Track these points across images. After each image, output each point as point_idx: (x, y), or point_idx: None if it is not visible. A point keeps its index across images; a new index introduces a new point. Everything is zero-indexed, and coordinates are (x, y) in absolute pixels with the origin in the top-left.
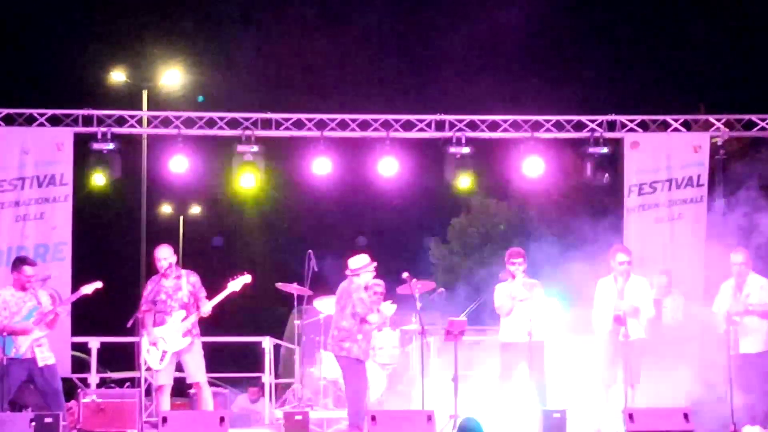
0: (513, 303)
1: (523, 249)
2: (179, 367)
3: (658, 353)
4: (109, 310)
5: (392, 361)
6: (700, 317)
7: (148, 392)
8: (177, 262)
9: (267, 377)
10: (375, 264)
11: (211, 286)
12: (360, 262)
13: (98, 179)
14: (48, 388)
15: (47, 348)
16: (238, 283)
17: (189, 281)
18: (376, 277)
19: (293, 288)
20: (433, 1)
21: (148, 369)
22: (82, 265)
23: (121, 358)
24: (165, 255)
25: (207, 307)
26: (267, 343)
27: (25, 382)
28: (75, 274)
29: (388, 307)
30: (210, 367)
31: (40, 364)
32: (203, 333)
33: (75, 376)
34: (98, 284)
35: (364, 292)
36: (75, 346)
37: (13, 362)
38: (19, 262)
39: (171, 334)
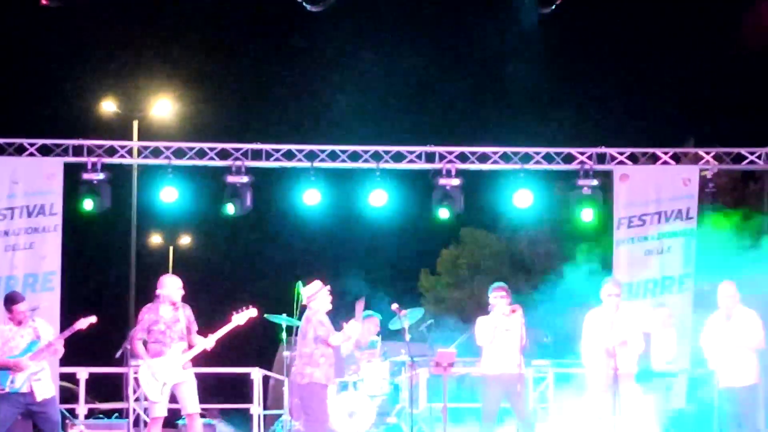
0: (494, 333)
1: (510, 281)
2: (173, 398)
3: (648, 386)
4: (97, 340)
5: (381, 392)
6: (688, 350)
7: (136, 423)
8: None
9: (256, 408)
10: (328, 288)
11: (200, 317)
12: (312, 289)
13: (88, 205)
14: (47, 422)
15: (47, 380)
16: (243, 317)
17: (185, 314)
18: (366, 308)
19: (282, 319)
20: (423, 34)
21: (138, 400)
22: (72, 295)
23: (110, 389)
24: (180, 284)
25: (211, 341)
26: (256, 374)
27: (20, 417)
28: (64, 304)
29: (353, 327)
30: (199, 398)
31: (39, 398)
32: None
33: (63, 406)
34: (93, 319)
35: (323, 315)
36: (63, 377)
37: (9, 396)
38: (9, 301)
39: (171, 366)
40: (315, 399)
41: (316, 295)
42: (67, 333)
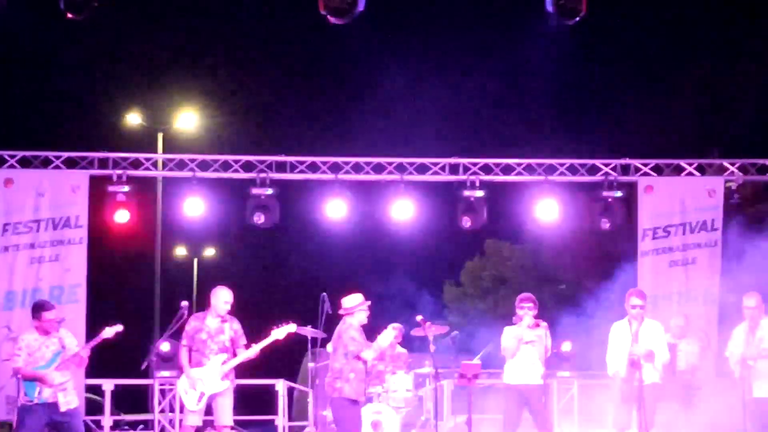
0: (518, 345)
1: (535, 293)
2: (208, 410)
3: (673, 398)
4: (122, 352)
5: (406, 405)
6: (713, 361)
7: None
8: (191, 305)
9: (280, 420)
10: (369, 303)
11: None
12: (353, 301)
13: (122, 217)
14: None
15: (71, 391)
16: (282, 332)
17: (232, 327)
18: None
19: (307, 331)
20: (448, 46)
21: (163, 411)
22: (97, 307)
23: (135, 401)
24: (228, 298)
25: (255, 350)
26: (281, 385)
27: (46, 426)
28: (90, 317)
29: (384, 336)
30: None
31: (63, 408)
32: None
33: (89, 418)
34: (119, 327)
35: (355, 331)
36: (89, 388)
37: (35, 407)
38: (38, 309)
39: (210, 377)
40: (343, 413)
41: (356, 308)
42: (94, 342)
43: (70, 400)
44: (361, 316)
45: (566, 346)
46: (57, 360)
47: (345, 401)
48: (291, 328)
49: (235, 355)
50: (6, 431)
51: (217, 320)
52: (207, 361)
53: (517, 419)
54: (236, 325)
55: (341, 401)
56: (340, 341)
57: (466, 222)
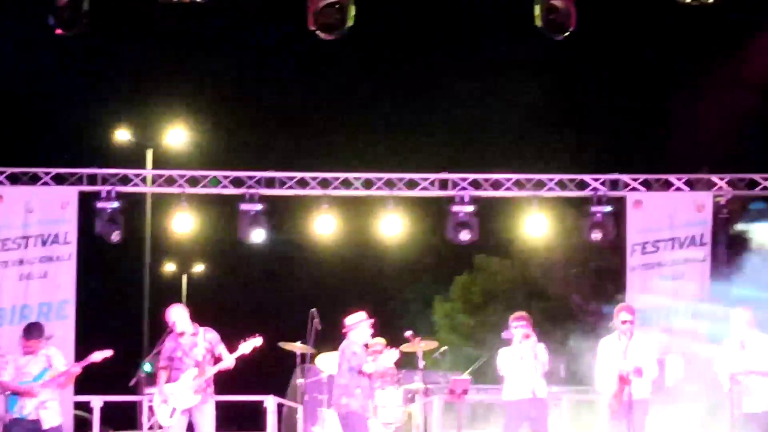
0: (516, 362)
1: (524, 308)
2: (190, 426)
3: (662, 413)
4: (111, 368)
5: (395, 420)
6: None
7: None
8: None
9: None
10: (371, 321)
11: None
12: (354, 319)
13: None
14: None
15: (55, 410)
16: (248, 346)
17: (205, 338)
18: (374, 335)
19: (296, 347)
20: (436, 61)
21: (153, 428)
22: (86, 323)
23: (124, 417)
24: (179, 315)
25: (229, 361)
26: (270, 402)
27: None
28: (78, 333)
29: (388, 356)
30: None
31: (45, 426)
32: None
33: None
34: (108, 353)
35: (358, 346)
36: (77, 405)
37: (16, 423)
38: (34, 333)
39: (182, 391)
40: (351, 426)
41: (356, 326)
42: (82, 364)
43: (53, 417)
44: (364, 333)
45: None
46: (43, 376)
47: (353, 416)
48: (257, 341)
49: (214, 364)
50: None
51: (188, 336)
52: (182, 375)
53: None
54: (210, 335)
55: (348, 416)
56: (343, 357)
57: (465, 235)
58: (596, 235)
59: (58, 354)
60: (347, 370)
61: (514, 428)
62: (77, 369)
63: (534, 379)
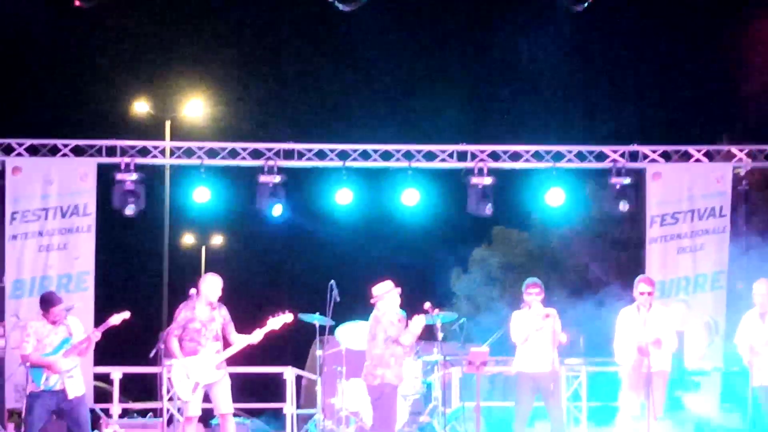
0: (529, 332)
1: (543, 280)
2: (206, 398)
3: (680, 384)
4: (131, 340)
5: (414, 392)
6: (722, 348)
7: (170, 422)
8: (198, 293)
9: (289, 408)
10: (399, 290)
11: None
12: (383, 288)
13: (129, 211)
14: (77, 419)
15: (78, 378)
16: (278, 322)
17: (221, 314)
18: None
19: (315, 318)
20: (454, 33)
21: (171, 399)
22: (105, 295)
23: (144, 389)
24: (220, 286)
25: (258, 336)
26: (289, 373)
27: (53, 414)
28: (98, 304)
29: (416, 323)
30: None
31: (71, 396)
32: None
33: (97, 406)
34: (126, 314)
35: (395, 316)
36: (97, 377)
37: (42, 394)
38: (46, 303)
39: (204, 366)
40: (386, 400)
41: (384, 296)
42: (102, 328)
43: (78, 387)
44: (394, 302)
45: (562, 338)
46: (65, 346)
47: (387, 387)
48: (287, 318)
49: (226, 341)
50: (15, 419)
51: (207, 309)
52: (202, 349)
53: (528, 406)
54: (224, 312)
55: (382, 387)
56: (379, 326)
57: (488, 209)
58: (624, 206)
59: (77, 322)
60: (383, 340)
61: (527, 401)
62: (98, 335)
63: (552, 352)
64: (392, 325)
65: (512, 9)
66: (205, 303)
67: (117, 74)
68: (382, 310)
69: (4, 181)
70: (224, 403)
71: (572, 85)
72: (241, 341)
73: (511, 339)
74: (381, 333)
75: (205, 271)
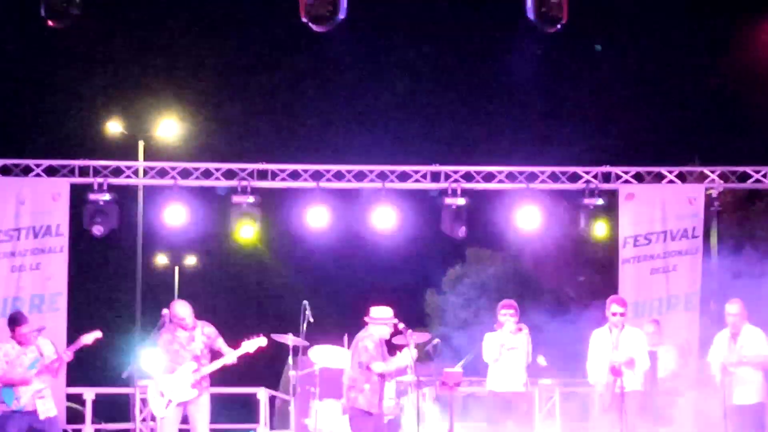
0: (501, 351)
1: (516, 301)
2: (185, 419)
3: (654, 405)
4: (103, 360)
5: (388, 412)
6: (694, 368)
7: None
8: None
9: (262, 428)
10: (395, 321)
11: None
12: (380, 314)
13: (97, 231)
14: None
15: (49, 399)
16: (252, 345)
17: (203, 332)
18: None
19: (288, 339)
20: (427, 54)
21: (146, 420)
22: (78, 315)
23: (116, 410)
24: (186, 313)
25: (231, 357)
26: (262, 394)
27: None
28: (71, 325)
29: (404, 356)
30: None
31: (42, 417)
32: None
33: (70, 427)
34: (98, 334)
35: (371, 342)
36: (69, 397)
37: (13, 415)
38: (12, 323)
39: (179, 384)
40: (356, 423)
41: (378, 321)
42: (74, 347)
43: (49, 408)
44: (383, 330)
45: (541, 360)
46: (35, 367)
47: (358, 412)
48: (262, 341)
49: (217, 356)
50: None
51: (186, 330)
52: (179, 368)
53: (501, 426)
54: (207, 329)
55: (354, 411)
56: (356, 350)
57: (462, 231)
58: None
59: (48, 343)
60: (357, 363)
61: (500, 419)
62: (69, 354)
63: (523, 371)
64: (366, 350)
65: (486, 31)
66: (179, 327)
67: (90, 94)
68: (368, 332)
69: None
70: (200, 423)
71: (546, 107)
72: (217, 362)
73: (483, 359)
74: (356, 356)
75: (179, 292)
